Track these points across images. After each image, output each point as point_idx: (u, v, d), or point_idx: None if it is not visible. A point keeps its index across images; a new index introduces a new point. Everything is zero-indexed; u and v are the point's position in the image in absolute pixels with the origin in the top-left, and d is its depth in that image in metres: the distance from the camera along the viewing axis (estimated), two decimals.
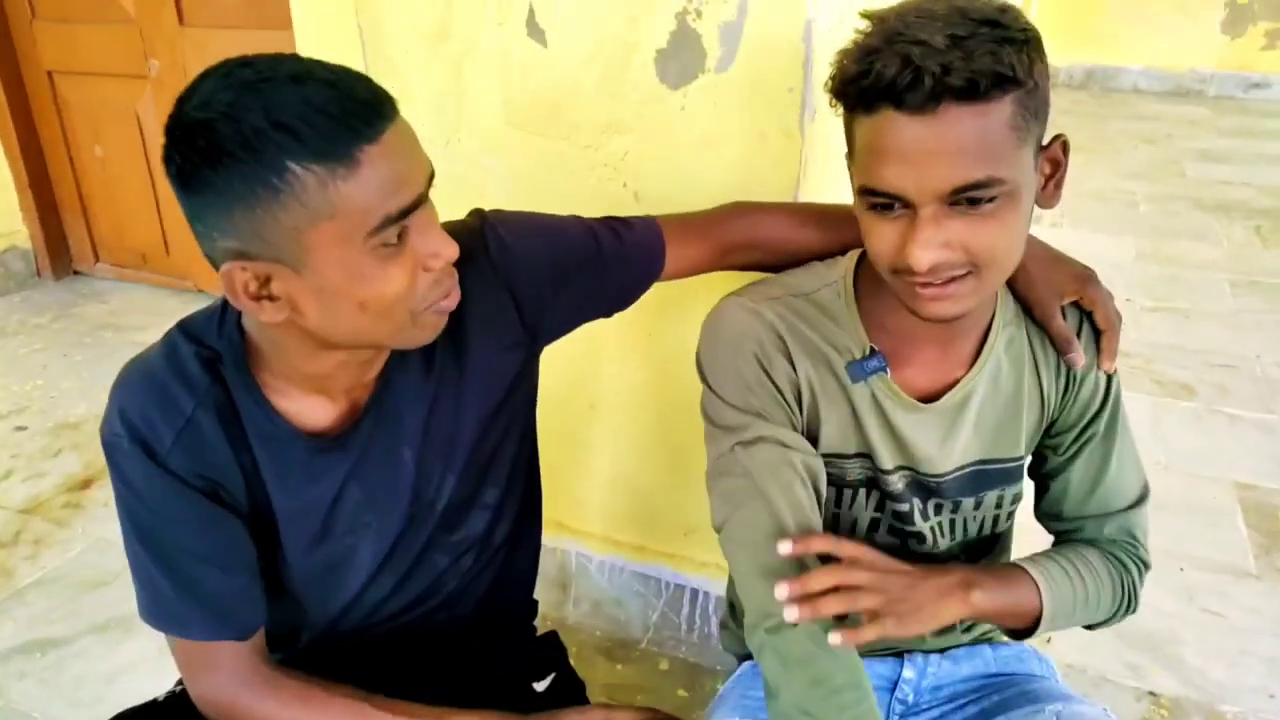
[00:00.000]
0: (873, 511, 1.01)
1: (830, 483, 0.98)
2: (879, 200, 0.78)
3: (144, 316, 3.05)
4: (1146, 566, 1.01)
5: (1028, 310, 0.96)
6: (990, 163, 0.74)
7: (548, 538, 1.66)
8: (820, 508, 0.94)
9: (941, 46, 0.71)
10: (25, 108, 3.08)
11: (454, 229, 0.90)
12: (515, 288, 0.97)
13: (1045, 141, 0.81)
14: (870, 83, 0.74)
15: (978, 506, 1.01)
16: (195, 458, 0.85)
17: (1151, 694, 1.56)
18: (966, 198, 0.75)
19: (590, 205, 1.34)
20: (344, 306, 0.77)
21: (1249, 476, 2.18)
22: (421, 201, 0.78)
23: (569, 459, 1.60)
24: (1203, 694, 1.56)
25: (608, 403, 1.53)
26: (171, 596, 0.87)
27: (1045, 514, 1.06)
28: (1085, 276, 0.95)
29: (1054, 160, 0.83)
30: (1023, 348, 0.96)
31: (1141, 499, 1.02)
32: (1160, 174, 4.75)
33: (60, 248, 3.29)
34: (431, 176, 0.80)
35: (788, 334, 0.93)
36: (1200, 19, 6.57)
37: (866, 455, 0.97)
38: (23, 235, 3.23)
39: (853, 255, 0.98)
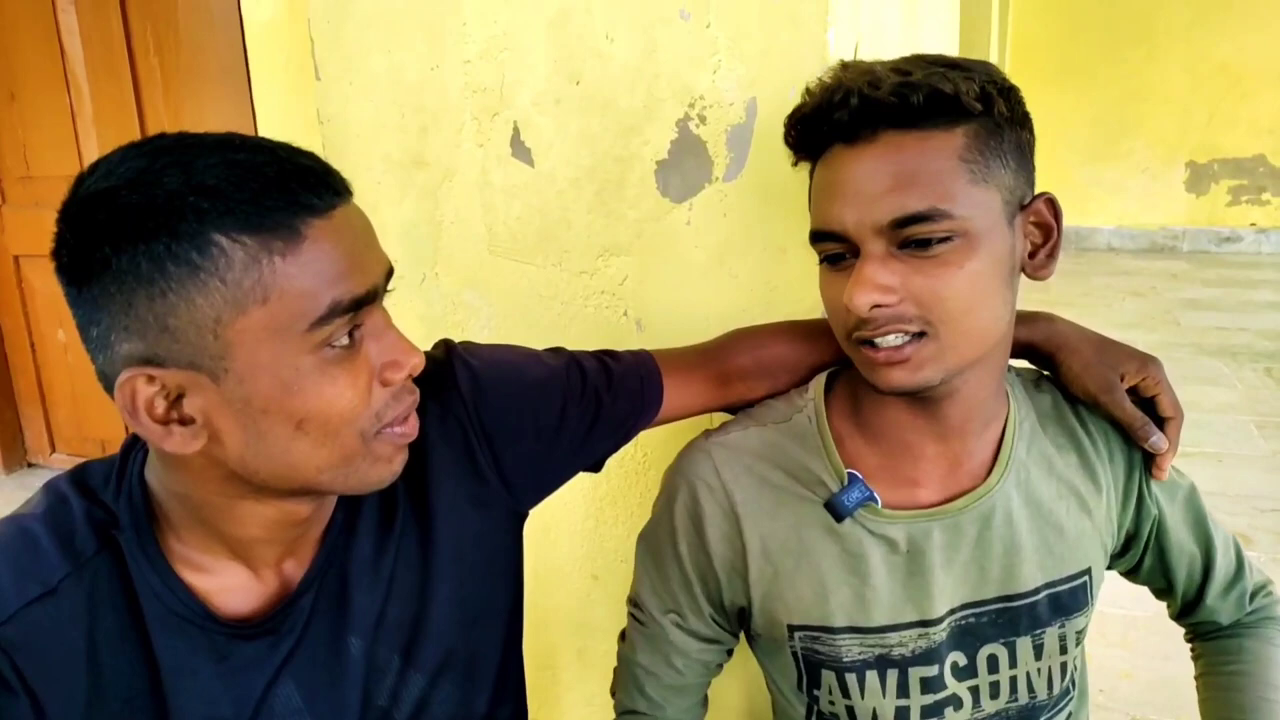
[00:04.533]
0: (896, 699, 0.85)
1: (826, 666, 0.85)
2: (826, 247, 0.76)
3: None
4: None
5: (1081, 401, 0.86)
6: (933, 195, 0.69)
7: None
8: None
9: (880, 75, 0.71)
10: None
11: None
12: (489, 429, 0.79)
13: (1028, 200, 0.76)
14: (809, 115, 0.75)
15: (1039, 654, 0.85)
16: (34, 644, 0.62)
17: None
18: (912, 237, 0.70)
19: (587, 338, 1.17)
20: (275, 426, 0.61)
21: None
22: (378, 295, 0.63)
23: (570, 647, 1.36)
24: None
25: (613, 574, 1.30)
26: None
27: (1181, 599, 0.97)
28: (1145, 358, 0.84)
29: (1043, 224, 0.77)
30: (1056, 450, 0.86)
31: (1244, 563, 0.97)
32: (1155, 324, 4.73)
33: (15, 440, 3.10)
34: (390, 274, 0.65)
35: (742, 499, 0.85)
36: (1164, 180, 6.81)
37: (860, 629, 0.83)
38: None
39: (823, 375, 0.88)
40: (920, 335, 0.72)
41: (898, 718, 0.85)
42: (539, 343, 1.21)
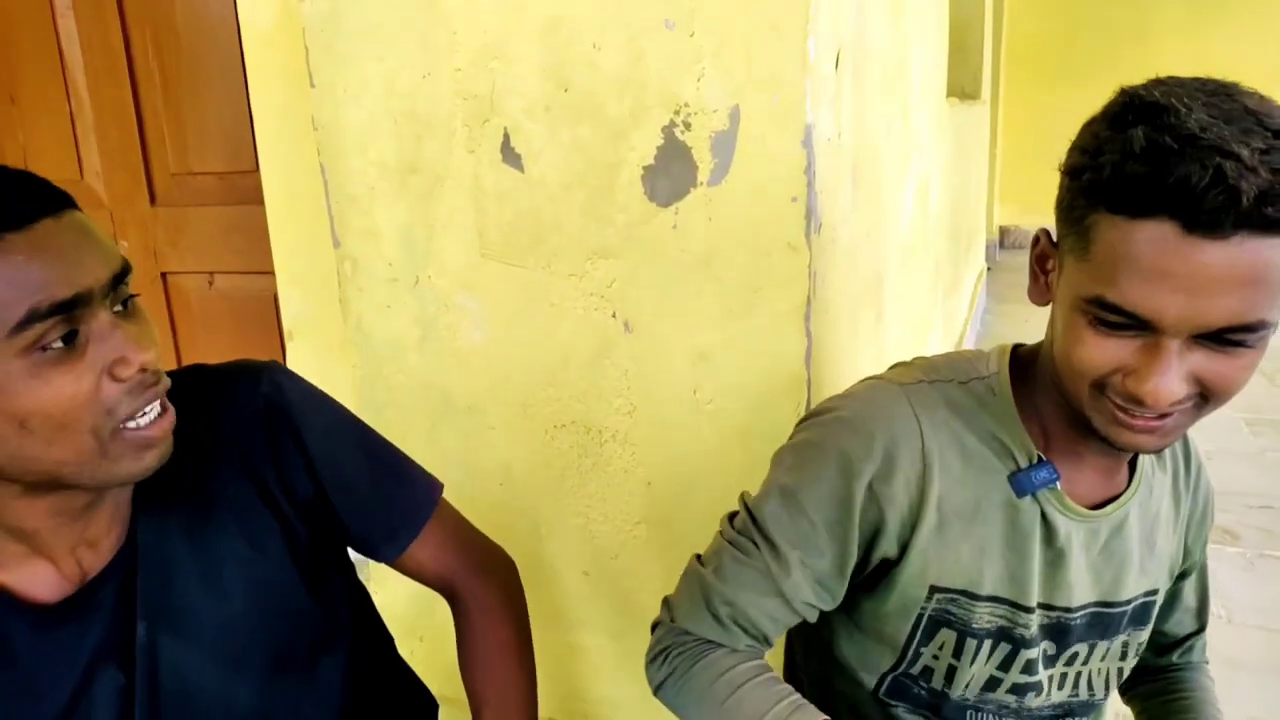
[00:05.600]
0: (994, 669, 0.87)
1: (951, 626, 0.85)
2: (1110, 317, 0.66)
3: None
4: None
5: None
6: (1268, 305, 0.63)
7: None
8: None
9: (1253, 164, 0.60)
10: None
11: (225, 366, 0.83)
12: (279, 450, 0.83)
13: None
14: (1166, 190, 0.62)
15: (1103, 657, 0.90)
16: None
17: None
18: (1227, 339, 0.65)
19: (577, 339, 1.20)
20: (1, 427, 0.64)
21: None
22: (92, 299, 0.66)
23: (562, 643, 1.38)
24: None
25: (604, 570, 1.33)
26: None
27: (1163, 646, 1.02)
28: None
29: None
30: (1156, 473, 0.88)
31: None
32: None
33: None
34: (121, 275, 0.68)
35: (935, 448, 0.81)
36: None
37: (1004, 600, 0.84)
38: None
39: (1005, 348, 0.86)
40: (1186, 407, 0.69)
41: (986, 687, 0.87)
42: (530, 343, 1.24)
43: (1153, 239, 0.63)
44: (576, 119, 1.13)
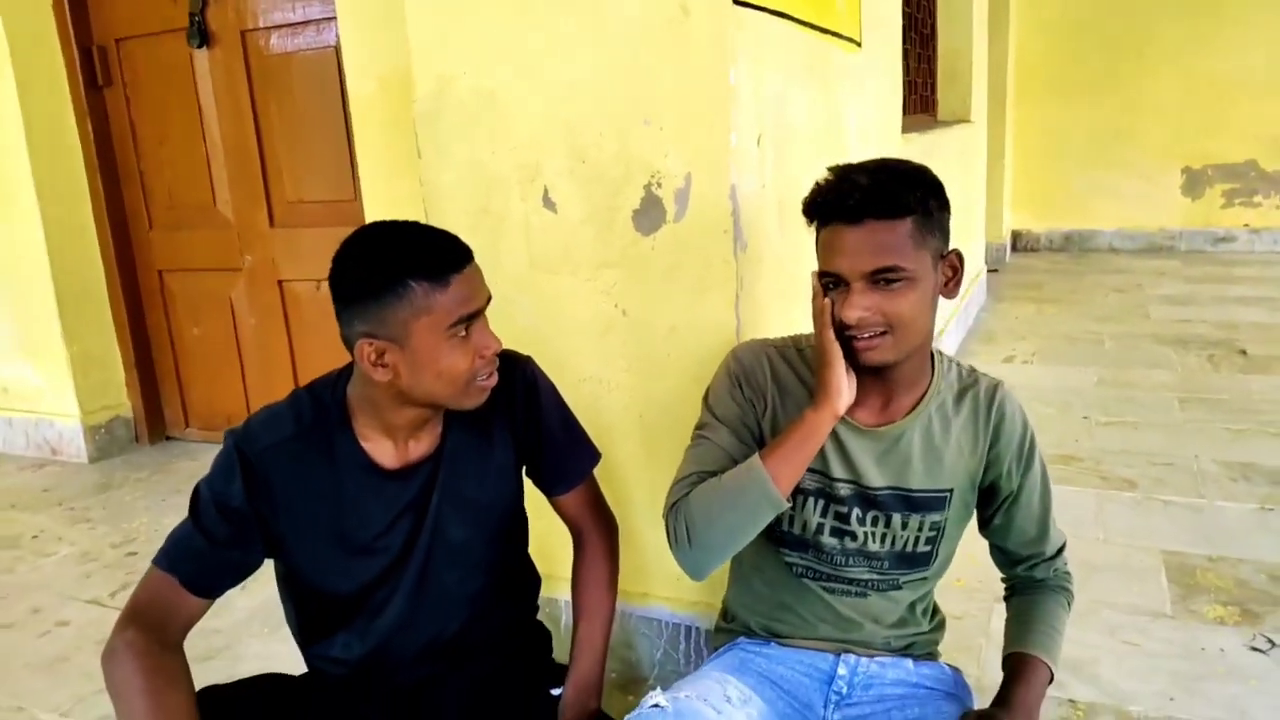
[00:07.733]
0: (819, 517, 1.33)
1: None
2: (828, 279, 1.19)
3: None
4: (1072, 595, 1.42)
5: (995, 403, 1.30)
6: (895, 256, 1.14)
7: (562, 595, 2.03)
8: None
9: (864, 185, 1.15)
10: (137, 301, 3.70)
11: (503, 353, 1.27)
12: (519, 411, 1.36)
13: (945, 253, 1.21)
14: (821, 204, 1.19)
15: (904, 526, 1.32)
16: (274, 469, 1.20)
17: (1071, 701, 1.87)
18: (882, 278, 1.14)
19: (592, 320, 1.84)
20: (427, 374, 1.17)
21: (1175, 545, 2.50)
22: (481, 312, 1.20)
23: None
24: (1114, 700, 1.87)
25: (613, 476, 1.94)
26: (177, 537, 1.22)
27: (1008, 559, 1.42)
28: None
29: (952, 266, 1.23)
30: (954, 416, 1.30)
31: (1063, 547, 1.42)
32: (1126, 316, 5.20)
33: (157, 416, 3.81)
34: (489, 300, 1.22)
35: (772, 376, 1.35)
36: (1161, 185, 7.25)
37: (819, 472, 1.31)
38: (126, 407, 3.77)
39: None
40: (883, 334, 1.16)
41: (818, 530, 1.33)
42: (560, 324, 1.87)
43: (830, 231, 1.18)
44: (590, 180, 1.77)
